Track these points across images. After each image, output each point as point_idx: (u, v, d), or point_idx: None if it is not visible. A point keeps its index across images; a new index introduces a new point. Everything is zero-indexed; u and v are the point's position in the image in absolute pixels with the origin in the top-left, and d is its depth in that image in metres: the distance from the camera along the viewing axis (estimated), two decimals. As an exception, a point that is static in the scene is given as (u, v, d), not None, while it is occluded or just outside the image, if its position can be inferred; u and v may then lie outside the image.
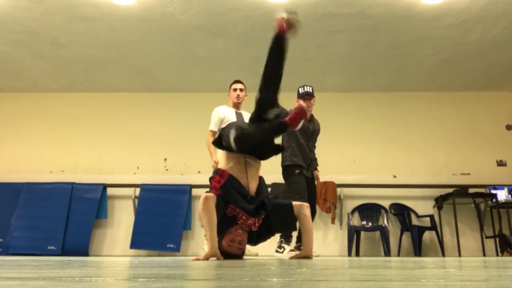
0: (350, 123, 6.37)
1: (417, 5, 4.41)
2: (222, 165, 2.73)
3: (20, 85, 6.40)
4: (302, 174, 3.92)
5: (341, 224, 5.88)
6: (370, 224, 5.74)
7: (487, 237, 5.56)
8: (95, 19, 4.69)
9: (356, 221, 5.82)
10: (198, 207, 2.63)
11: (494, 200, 5.51)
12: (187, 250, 5.76)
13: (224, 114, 4.17)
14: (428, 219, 5.76)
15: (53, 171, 6.26)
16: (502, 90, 6.52)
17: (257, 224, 2.66)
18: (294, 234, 4.13)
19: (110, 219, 5.97)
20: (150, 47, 5.31)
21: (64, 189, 5.82)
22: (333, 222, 5.69)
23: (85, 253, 5.49)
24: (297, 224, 2.82)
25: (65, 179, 6.04)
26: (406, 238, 5.69)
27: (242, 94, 4.25)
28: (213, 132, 4.13)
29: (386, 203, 5.87)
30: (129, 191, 5.93)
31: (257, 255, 4.33)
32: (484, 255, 5.51)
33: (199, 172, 5.98)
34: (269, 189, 5.21)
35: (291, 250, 4.00)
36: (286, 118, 2.50)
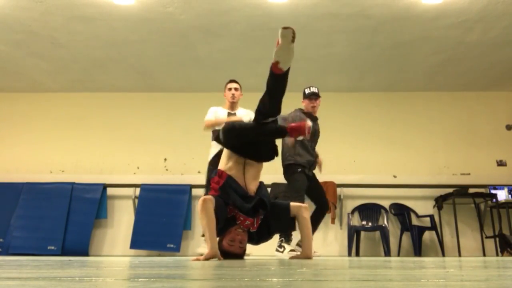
0: (350, 123, 6.37)
1: (417, 5, 4.41)
2: (222, 165, 2.74)
3: (20, 85, 6.40)
4: (303, 173, 3.92)
5: (341, 224, 5.88)
6: (370, 224, 5.74)
7: (487, 237, 5.56)
8: (95, 19, 4.69)
9: (356, 221, 5.82)
10: (197, 208, 2.64)
11: (494, 200, 5.51)
12: (187, 250, 5.76)
13: (216, 115, 4.19)
14: (428, 219, 5.76)
15: (53, 171, 6.26)
16: (502, 90, 6.53)
17: (255, 225, 2.66)
18: (295, 233, 4.13)
19: (110, 219, 5.98)
20: (150, 47, 5.31)
21: (64, 189, 5.82)
22: (333, 222, 5.69)
23: (85, 253, 5.49)
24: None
25: (65, 179, 6.04)
26: (406, 238, 5.70)
27: (237, 93, 4.24)
28: (208, 120, 4.18)
29: (386, 203, 5.87)
30: (129, 191, 5.93)
31: (248, 255, 4.34)
32: (484, 255, 5.51)
33: (199, 172, 5.97)
34: (269, 189, 5.22)
35: (291, 250, 4.00)
36: (288, 126, 2.52)
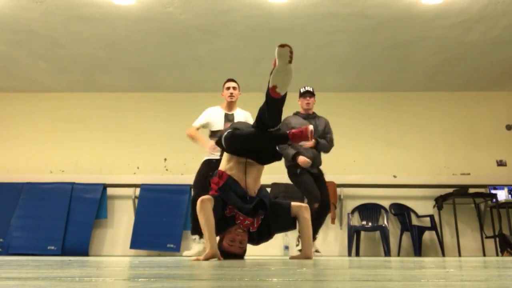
0: (350, 123, 6.37)
1: (417, 5, 4.41)
2: (222, 165, 2.73)
3: (20, 85, 6.40)
4: (306, 172, 3.92)
5: (341, 224, 5.88)
6: (370, 224, 5.74)
7: (487, 237, 5.56)
8: (95, 19, 4.69)
9: (356, 221, 5.82)
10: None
11: (494, 200, 5.51)
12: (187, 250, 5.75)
13: (210, 118, 4.17)
14: (428, 219, 5.76)
15: (53, 171, 6.26)
16: (502, 90, 6.53)
17: (256, 225, 2.66)
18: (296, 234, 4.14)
19: (110, 219, 5.97)
20: (150, 47, 5.31)
21: (64, 189, 5.82)
22: (333, 222, 5.69)
23: (85, 253, 5.49)
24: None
25: (65, 179, 6.04)
26: (406, 238, 5.70)
27: (235, 92, 4.16)
28: (194, 127, 4.20)
29: (386, 203, 5.87)
30: (129, 191, 5.93)
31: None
32: (484, 255, 5.51)
33: (199, 172, 5.96)
34: (269, 189, 5.22)
35: (299, 250, 4.00)
36: (290, 132, 2.51)
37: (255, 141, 2.59)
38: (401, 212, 5.79)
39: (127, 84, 6.38)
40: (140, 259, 2.88)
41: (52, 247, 5.40)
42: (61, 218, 5.59)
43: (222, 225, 2.58)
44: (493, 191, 5.76)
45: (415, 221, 5.80)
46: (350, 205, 5.91)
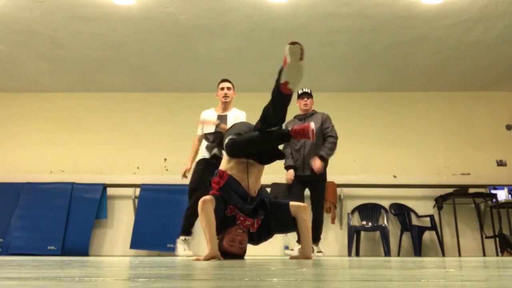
0: (350, 123, 6.36)
1: (417, 5, 4.41)
2: (223, 164, 2.73)
3: (20, 85, 6.40)
4: (296, 182, 3.98)
5: (341, 224, 5.88)
6: (370, 224, 5.74)
7: (487, 237, 5.56)
8: (95, 19, 4.69)
9: (356, 221, 5.82)
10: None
11: (494, 200, 5.51)
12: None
13: (205, 119, 4.15)
14: (428, 219, 5.76)
15: (53, 171, 6.26)
16: (502, 90, 6.53)
17: (256, 226, 2.65)
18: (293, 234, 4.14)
19: (110, 219, 5.97)
20: (150, 47, 5.31)
21: (64, 189, 5.82)
22: (333, 222, 5.69)
23: (85, 253, 5.49)
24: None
25: (65, 179, 6.04)
26: (406, 238, 5.70)
27: (230, 92, 4.14)
28: (199, 136, 4.20)
29: (386, 203, 5.87)
30: (129, 191, 5.93)
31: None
32: (484, 255, 5.51)
33: (199, 172, 5.96)
34: (269, 189, 5.22)
35: (299, 249, 4.01)
36: (292, 129, 2.51)
37: (257, 145, 2.61)
38: (401, 212, 5.79)
39: (127, 84, 6.38)
40: (140, 259, 2.88)
41: (52, 247, 5.40)
42: (61, 218, 5.59)
43: (222, 225, 2.58)
44: (493, 191, 5.76)
45: (415, 221, 5.80)
46: (350, 205, 5.91)
